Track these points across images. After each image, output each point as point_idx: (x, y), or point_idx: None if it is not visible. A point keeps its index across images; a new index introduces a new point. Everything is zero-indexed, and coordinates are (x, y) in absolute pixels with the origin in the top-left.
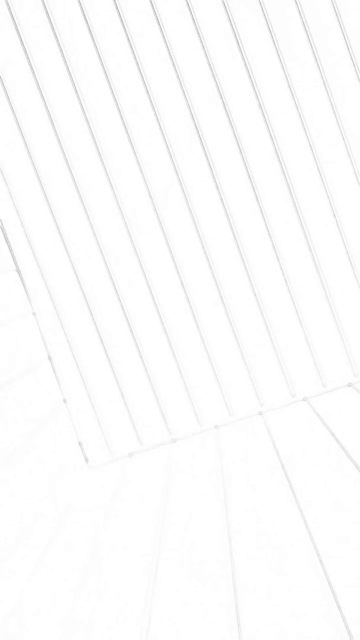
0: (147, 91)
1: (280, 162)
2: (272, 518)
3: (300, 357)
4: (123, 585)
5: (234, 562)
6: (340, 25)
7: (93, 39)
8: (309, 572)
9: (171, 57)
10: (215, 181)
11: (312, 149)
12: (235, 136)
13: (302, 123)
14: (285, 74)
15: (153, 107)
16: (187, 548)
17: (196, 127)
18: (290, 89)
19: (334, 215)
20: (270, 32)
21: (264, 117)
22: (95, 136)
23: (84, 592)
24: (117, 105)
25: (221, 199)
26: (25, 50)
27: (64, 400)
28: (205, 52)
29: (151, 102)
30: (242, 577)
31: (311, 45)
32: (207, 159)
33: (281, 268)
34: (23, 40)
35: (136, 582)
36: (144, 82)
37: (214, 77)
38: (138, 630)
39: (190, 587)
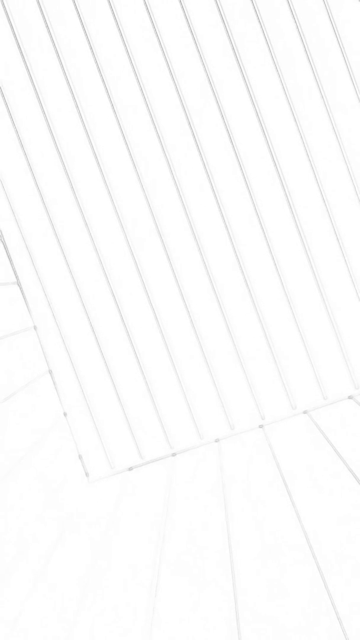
0: (146, 102)
1: (279, 174)
2: (274, 531)
3: (300, 370)
4: (123, 599)
5: (235, 575)
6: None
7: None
8: (310, 588)
9: (172, 77)
10: (216, 198)
11: (308, 154)
12: (231, 139)
13: (298, 127)
14: (280, 78)
15: (155, 128)
16: (188, 561)
17: (193, 135)
18: (285, 93)
19: (335, 230)
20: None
21: (261, 125)
22: (95, 150)
23: (84, 606)
24: (118, 122)
25: (222, 215)
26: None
27: (65, 414)
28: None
29: (152, 118)
30: (243, 592)
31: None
32: (206, 169)
33: (282, 282)
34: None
35: (137, 596)
36: (140, 86)
37: (210, 83)
38: None
39: (191, 600)
